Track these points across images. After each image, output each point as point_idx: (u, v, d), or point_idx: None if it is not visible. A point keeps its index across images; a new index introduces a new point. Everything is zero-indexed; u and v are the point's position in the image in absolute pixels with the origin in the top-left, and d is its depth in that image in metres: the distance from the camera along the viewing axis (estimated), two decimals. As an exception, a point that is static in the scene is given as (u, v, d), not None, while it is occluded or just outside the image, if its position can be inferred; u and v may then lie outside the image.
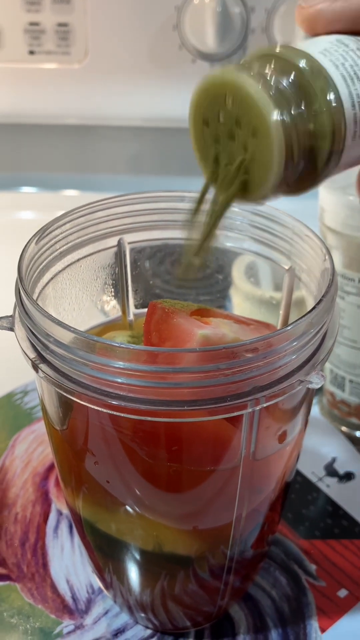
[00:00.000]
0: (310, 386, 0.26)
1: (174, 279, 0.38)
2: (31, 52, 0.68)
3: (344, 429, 0.49)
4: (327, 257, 0.29)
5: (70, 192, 0.75)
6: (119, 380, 0.24)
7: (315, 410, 0.51)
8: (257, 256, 0.34)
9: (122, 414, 0.25)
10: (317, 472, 0.46)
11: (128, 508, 0.30)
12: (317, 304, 0.26)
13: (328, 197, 0.43)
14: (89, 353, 0.24)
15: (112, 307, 0.36)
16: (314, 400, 0.52)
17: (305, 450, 0.47)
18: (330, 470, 0.46)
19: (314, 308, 0.26)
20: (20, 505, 0.43)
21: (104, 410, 0.25)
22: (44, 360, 0.26)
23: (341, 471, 0.46)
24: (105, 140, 0.75)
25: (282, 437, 0.28)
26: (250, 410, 0.25)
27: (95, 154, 0.76)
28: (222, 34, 0.65)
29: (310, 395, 0.29)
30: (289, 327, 0.25)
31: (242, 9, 0.64)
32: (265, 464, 0.29)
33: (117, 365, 0.24)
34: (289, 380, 0.25)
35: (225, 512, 0.29)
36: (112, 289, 0.35)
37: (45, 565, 0.40)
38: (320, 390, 0.53)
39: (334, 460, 0.46)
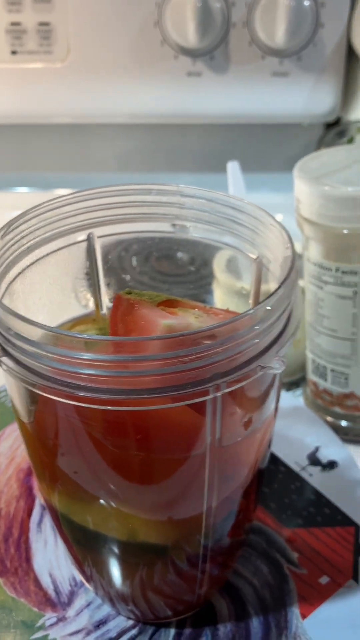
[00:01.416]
0: (271, 372, 0.26)
1: (149, 273, 0.38)
2: (13, 52, 0.68)
3: (329, 418, 0.49)
4: (289, 244, 0.29)
5: (60, 191, 0.75)
6: (80, 371, 0.25)
7: (299, 400, 0.51)
8: (226, 247, 0.34)
9: (84, 404, 0.25)
10: (300, 461, 0.46)
11: (100, 499, 0.30)
12: (276, 289, 0.26)
13: (302, 188, 0.43)
14: (48, 345, 0.25)
15: (85, 301, 0.36)
16: (299, 392, 0.53)
17: (288, 440, 0.48)
18: (313, 460, 0.46)
19: (272, 294, 0.26)
20: (4, 501, 0.43)
21: (66, 402, 0.25)
22: (6, 353, 0.26)
23: (324, 460, 0.46)
24: (92, 138, 0.75)
25: (248, 424, 0.28)
26: (211, 396, 0.25)
27: (82, 152, 0.76)
28: (204, 29, 0.65)
29: (276, 381, 0.30)
30: (247, 313, 0.25)
31: (223, 3, 0.64)
32: (233, 450, 0.29)
33: (76, 356, 0.24)
34: (249, 366, 0.26)
35: (195, 500, 0.30)
36: (85, 283, 0.36)
37: (28, 560, 0.40)
38: (304, 380, 0.53)
39: (317, 449, 0.47)
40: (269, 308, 0.26)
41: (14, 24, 0.67)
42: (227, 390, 0.25)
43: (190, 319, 0.29)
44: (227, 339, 0.25)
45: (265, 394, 0.29)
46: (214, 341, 0.24)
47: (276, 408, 0.31)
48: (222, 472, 0.29)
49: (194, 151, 0.77)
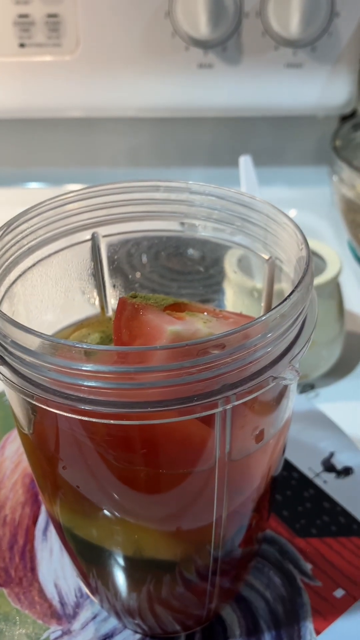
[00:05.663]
0: (284, 382, 0.24)
1: (157, 273, 0.37)
2: (21, 45, 0.67)
3: None
4: (303, 245, 0.27)
5: (70, 187, 0.74)
6: (80, 383, 0.23)
7: (312, 403, 0.50)
8: (237, 246, 0.32)
9: (84, 418, 0.24)
10: (314, 467, 0.44)
11: (105, 513, 0.28)
12: (290, 294, 0.25)
13: None
14: (46, 355, 0.23)
15: (89, 303, 0.35)
16: (312, 394, 0.51)
17: (301, 445, 0.46)
18: (328, 466, 0.44)
19: (286, 298, 0.24)
20: (10, 508, 0.42)
21: (66, 414, 0.24)
22: (4, 362, 0.25)
23: (339, 466, 0.44)
24: (101, 132, 0.73)
25: (259, 437, 0.27)
26: (220, 409, 0.24)
27: (92, 147, 0.74)
28: (215, 20, 0.63)
29: (290, 391, 0.28)
30: (258, 320, 0.24)
31: (235, -8, 0.63)
32: (243, 464, 0.27)
33: (76, 367, 0.23)
34: (261, 376, 0.24)
35: (204, 514, 0.28)
36: (88, 285, 0.34)
37: (33, 569, 0.39)
38: (318, 382, 0.51)
39: (331, 455, 0.45)
40: (283, 314, 0.24)
41: (21, 15, 0.65)
42: (237, 403, 0.24)
43: (198, 325, 0.28)
44: (237, 348, 0.23)
45: (278, 405, 0.27)
46: (223, 351, 0.23)
47: (288, 419, 0.30)
48: (232, 487, 0.28)
49: (205, 145, 0.75)
